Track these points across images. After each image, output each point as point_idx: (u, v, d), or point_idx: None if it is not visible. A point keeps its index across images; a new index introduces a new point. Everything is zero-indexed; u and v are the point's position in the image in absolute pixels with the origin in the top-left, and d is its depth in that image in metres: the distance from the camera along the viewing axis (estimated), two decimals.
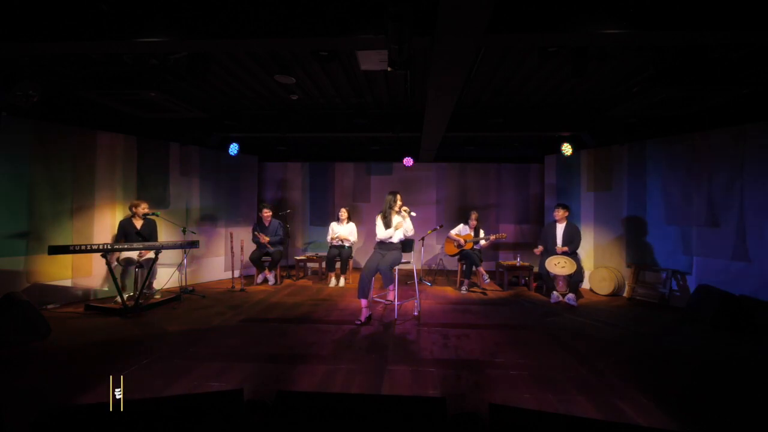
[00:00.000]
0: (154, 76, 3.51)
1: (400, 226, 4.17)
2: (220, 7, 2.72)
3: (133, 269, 4.67)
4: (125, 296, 4.33)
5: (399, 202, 4.22)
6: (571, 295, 4.89)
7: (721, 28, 2.52)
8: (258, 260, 5.87)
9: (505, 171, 7.61)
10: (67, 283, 4.64)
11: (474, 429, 1.73)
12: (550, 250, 5.23)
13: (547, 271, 5.07)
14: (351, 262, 6.28)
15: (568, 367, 2.87)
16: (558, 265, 4.98)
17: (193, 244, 4.75)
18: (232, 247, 5.69)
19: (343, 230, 6.05)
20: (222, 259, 6.44)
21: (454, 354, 3.11)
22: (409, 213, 4.25)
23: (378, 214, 4.28)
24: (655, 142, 5.12)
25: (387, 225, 4.18)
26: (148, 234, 4.80)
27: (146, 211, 4.81)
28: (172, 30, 2.76)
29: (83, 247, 3.95)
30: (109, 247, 4.11)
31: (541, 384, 2.57)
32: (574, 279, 4.93)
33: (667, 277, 4.88)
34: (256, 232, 5.94)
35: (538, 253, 5.33)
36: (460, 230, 5.83)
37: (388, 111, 5.41)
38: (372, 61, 3.55)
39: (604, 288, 5.42)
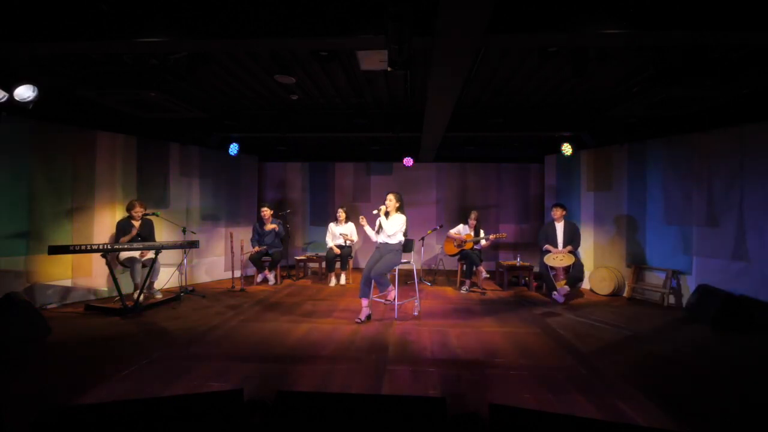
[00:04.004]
0: (154, 76, 3.51)
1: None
2: (220, 7, 2.72)
3: (139, 267, 4.66)
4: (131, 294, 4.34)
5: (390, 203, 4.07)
6: (563, 288, 4.87)
7: (721, 28, 2.52)
8: (258, 260, 5.87)
9: (505, 171, 7.60)
10: (67, 283, 4.64)
11: (474, 429, 1.73)
12: (552, 248, 5.20)
13: (547, 269, 5.07)
14: (351, 261, 6.28)
15: (568, 367, 2.87)
16: (557, 259, 4.99)
17: (193, 244, 4.75)
18: (232, 247, 5.69)
19: (344, 230, 6.06)
20: (222, 259, 6.44)
21: (454, 354, 3.11)
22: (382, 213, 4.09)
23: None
24: (655, 142, 5.11)
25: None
26: (146, 234, 4.80)
27: (141, 212, 4.79)
28: (172, 30, 2.76)
29: (83, 247, 3.94)
30: (109, 247, 4.11)
31: (541, 384, 2.57)
32: (573, 275, 4.91)
33: (667, 277, 4.88)
34: (254, 242, 5.97)
35: (552, 250, 5.16)
36: (460, 230, 5.83)
37: (388, 111, 5.41)
38: (372, 61, 3.55)
39: (604, 288, 5.42)
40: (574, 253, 5.06)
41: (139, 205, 4.79)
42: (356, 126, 5.45)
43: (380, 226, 4.07)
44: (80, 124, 4.76)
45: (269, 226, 5.87)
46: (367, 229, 4.18)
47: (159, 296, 4.86)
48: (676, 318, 4.30)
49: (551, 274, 5.09)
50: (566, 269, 4.97)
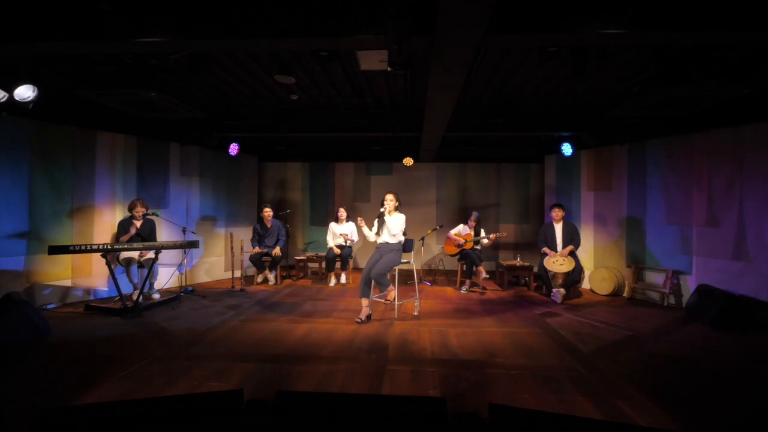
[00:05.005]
0: (154, 76, 3.51)
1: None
2: (220, 7, 2.72)
3: (136, 268, 4.67)
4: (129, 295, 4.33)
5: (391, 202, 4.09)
6: (558, 290, 4.90)
7: (721, 28, 2.52)
8: (258, 260, 5.87)
9: (505, 171, 7.60)
10: (67, 283, 4.64)
11: (474, 429, 1.73)
12: (550, 251, 5.23)
13: (546, 271, 5.09)
14: (351, 261, 6.28)
15: (568, 367, 2.87)
16: (557, 263, 5.00)
17: (193, 244, 4.75)
18: (232, 247, 5.69)
19: (344, 230, 6.06)
20: (222, 259, 6.44)
21: (454, 354, 3.11)
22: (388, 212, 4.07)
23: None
24: (655, 142, 5.11)
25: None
26: (147, 234, 4.80)
27: (143, 212, 4.79)
28: (172, 30, 2.76)
29: (83, 247, 3.95)
30: (109, 247, 4.11)
31: (541, 384, 2.57)
32: (571, 278, 4.94)
33: (667, 277, 4.88)
34: (255, 242, 5.99)
35: (549, 253, 5.20)
36: (460, 230, 5.83)
37: (388, 111, 5.40)
38: (372, 61, 3.55)
39: (604, 288, 5.42)
40: (573, 254, 5.07)
41: (140, 204, 4.78)
42: (356, 126, 5.46)
43: (380, 226, 4.07)
44: (80, 124, 4.76)
45: (276, 252, 5.87)
46: (365, 230, 4.18)
47: (157, 296, 4.86)
48: (676, 318, 4.30)
49: (549, 275, 5.10)
50: (566, 274, 4.97)
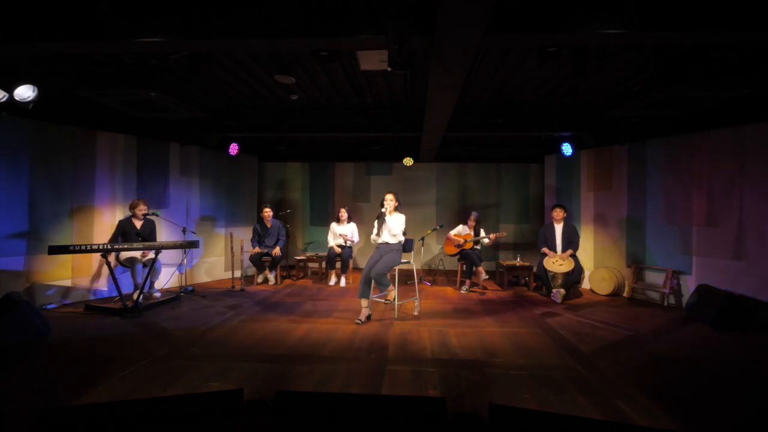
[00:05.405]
0: (154, 76, 3.51)
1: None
2: (220, 7, 2.72)
3: (140, 267, 4.66)
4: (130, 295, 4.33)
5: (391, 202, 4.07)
6: (558, 291, 4.90)
7: (721, 28, 2.52)
8: (258, 260, 5.87)
9: (505, 171, 7.60)
10: (67, 283, 4.64)
11: (474, 429, 1.73)
12: (550, 251, 5.23)
13: (545, 271, 5.09)
14: (351, 262, 6.28)
15: (568, 367, 2.86)
16: (556, 263, 5.00)
17: (193, 244, 4.75)
18: (232, 247, 5.69)
19: (344, 231, 6.06)
20: (222, 259, 6.44)
21: (454, 354, 3.11)
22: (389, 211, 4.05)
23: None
24: (655, 142, 5.11)
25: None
26: (147, 234, 4.80)
27: (145, 211, 4.79)
28: (172, 30, 2.76)
29: (83, 247, 3.95)
30: (109, 247, 4.11)
31: (541, 384, 2.57)
32: (571, 278, 4.94)
33: (667, 277, 4.88)
34: (255, 242, 5.99)
35: (549, 254, 5.21)
36: (460, 231, 5.84)
37: (388, 111, 5.40)
38: (372, 61, 3.55)
39: (604, 288, 5.42)
40: (573, 255, 5.07)
41: (143, 203, 4.78)
42: (356, 126, 5.46)
43: (380, 227, 4.06)
44: (80, 124, 4.76)
45: (276, 252, 5.87)
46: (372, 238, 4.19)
47: (158, 295, 4.86)
48: (676, 318, 4.30)
49: (549, 275, 5.10)
50: (565, 274, 4.98)
